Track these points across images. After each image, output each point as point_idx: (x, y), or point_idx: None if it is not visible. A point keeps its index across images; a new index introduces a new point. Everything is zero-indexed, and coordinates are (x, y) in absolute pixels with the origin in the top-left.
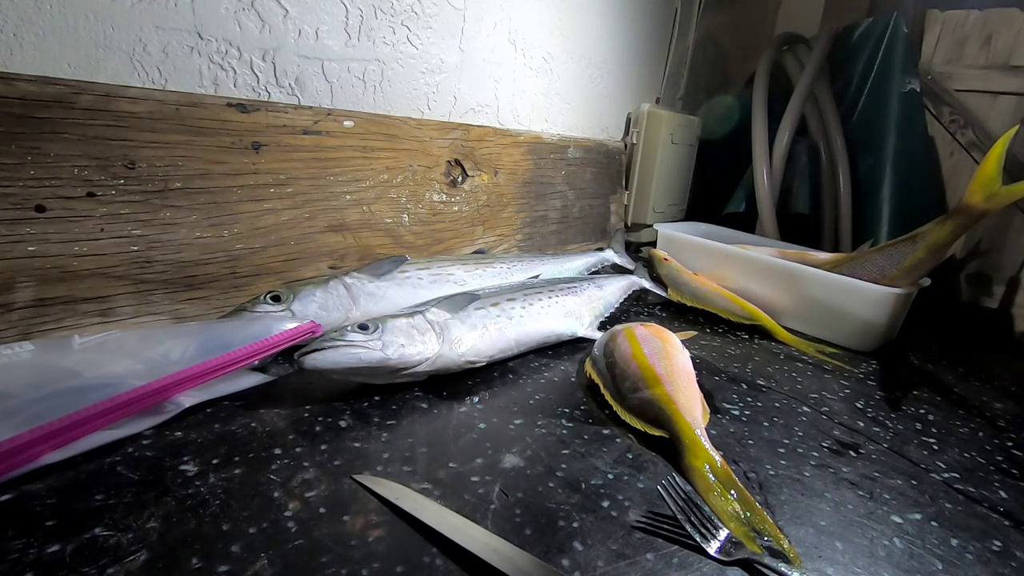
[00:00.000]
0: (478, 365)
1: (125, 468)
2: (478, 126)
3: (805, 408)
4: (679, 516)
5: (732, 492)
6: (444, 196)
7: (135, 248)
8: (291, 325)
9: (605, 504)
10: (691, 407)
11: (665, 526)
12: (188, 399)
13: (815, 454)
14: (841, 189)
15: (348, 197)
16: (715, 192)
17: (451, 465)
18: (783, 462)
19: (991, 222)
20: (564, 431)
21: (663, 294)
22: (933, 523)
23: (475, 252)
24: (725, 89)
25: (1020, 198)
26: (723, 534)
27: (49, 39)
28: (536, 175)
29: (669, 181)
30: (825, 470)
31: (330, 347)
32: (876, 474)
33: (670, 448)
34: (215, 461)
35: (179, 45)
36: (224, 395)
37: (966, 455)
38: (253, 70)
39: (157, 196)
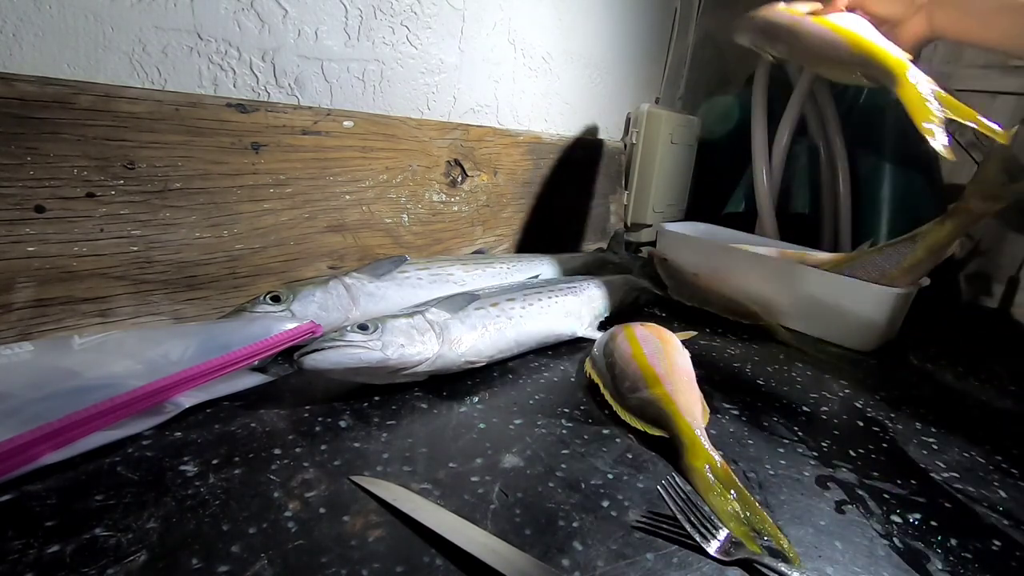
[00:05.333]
0: (478, 365)
1: (125, 468)
2: (478, 126)
3: (805, 408)
4: (679, 516)
5: (732, 492)
6: (444, 196)
7: (135, 248)
8: (291, 325)
9: (605, 504)
10: (691, 407)
11: (665, 526)
12: (188, 399)
13: (815, 454)
14: (841, 189)
15: (348, 197)
16: (715, 192)
17: (451, 465)
18: (783, 462)
19: (991, 222)
20: (564, 431)
21: (663, 294)
22: (932, 522)
23: (475, 252)
24: (725, 89)
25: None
26: (723, 534)
27: (48, 39)
28: (536, 175)
29: (669, 181)
30: (825, 469)
31: (330, 347)
32: (876, 473)
33: (670, 448)
34: (215, 461)
35: (179, 45)
36: (224, 395)
37: (965, 455)
38: (253, 70)
39: (157, 196)
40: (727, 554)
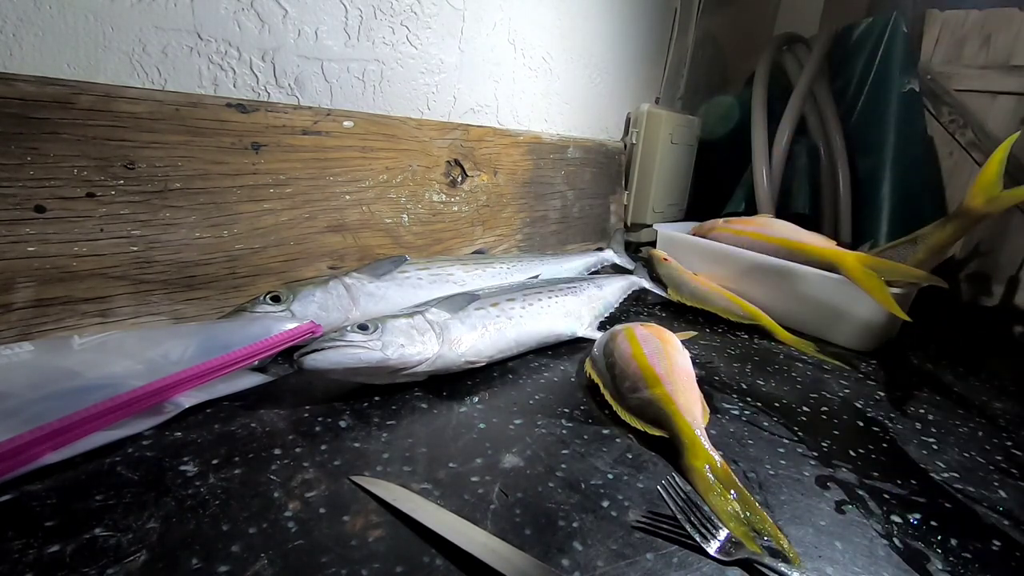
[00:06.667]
0: (478, 365)
1: (125, 468)
2: (478, 126)
3: (805, 408)
4: (679, 516)
5: (732, 492)
6: (444, 196)
7: (135, 248)
8: (291, 325)
9: (605, 504)
10: (691, 407)
11: (665, 526)
12: (188, 399)
13: (815, 454)
14: (840, 189)
15: (348, 197)
16: (715, 192)
17: (451, 465)
18: (783, 462)
19: (991, 222)
20: (564, 431)
21: (663, 294)
22: (933, 523)
23: (475, 252)
24: (725, 89)
25: (1021, 201)
26: (723, 534)
27: (48, 39)
28: (536, 175)
29: (669, 181)
30: (824, 470)
31: (330, 347)
32: (876, 474)
33: (670, 448)
34: (215, 461)
35: (179, 45)
36: (224, 395)
37: (965, 455)
38: (253, 70)
39: (157, 196)
40: (727, 554)
